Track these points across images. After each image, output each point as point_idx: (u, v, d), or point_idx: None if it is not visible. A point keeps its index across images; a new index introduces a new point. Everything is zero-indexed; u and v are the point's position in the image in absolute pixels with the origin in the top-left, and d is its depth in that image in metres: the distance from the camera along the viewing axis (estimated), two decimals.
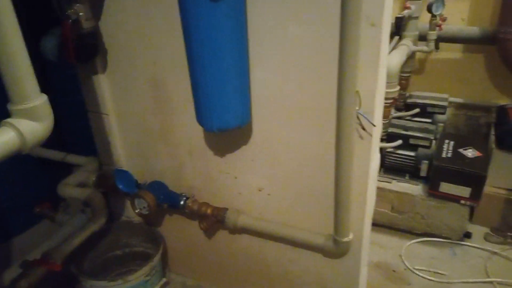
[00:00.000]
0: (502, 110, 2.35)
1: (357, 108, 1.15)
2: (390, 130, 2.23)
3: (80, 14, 1.40)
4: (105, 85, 1.63)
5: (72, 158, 1.99)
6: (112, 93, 1.65)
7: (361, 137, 1.25)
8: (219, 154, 1.56)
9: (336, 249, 1.44)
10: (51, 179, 1.88)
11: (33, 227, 2.14)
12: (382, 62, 1.17)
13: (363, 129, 1.22)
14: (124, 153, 1.79)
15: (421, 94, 2.59)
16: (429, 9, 2.22)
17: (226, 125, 1.26)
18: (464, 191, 2.01)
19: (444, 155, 2.08)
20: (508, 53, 2.25)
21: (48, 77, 1.94)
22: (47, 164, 2.05)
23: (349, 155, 1.22)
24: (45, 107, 0.98)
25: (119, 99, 1.66)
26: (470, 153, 2.09)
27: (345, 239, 1.38)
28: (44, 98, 0.98)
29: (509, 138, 2.11)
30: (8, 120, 0.96)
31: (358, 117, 1.19)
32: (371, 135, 1.24)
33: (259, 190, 1.55)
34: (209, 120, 1.25)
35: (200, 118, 1.29)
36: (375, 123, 1.21)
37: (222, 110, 1.22)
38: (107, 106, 1.68)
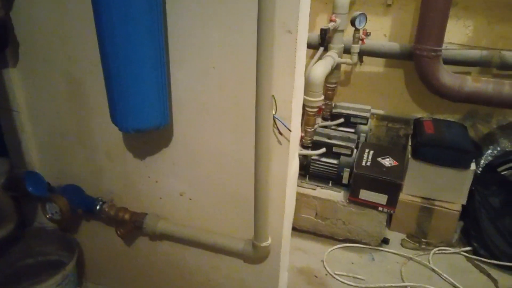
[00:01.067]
0: (418, 122, 2.50)
1: (273, 112, 1.16)
2: (315, 138, 2.29)
3: None
4: (16, 80, 1.53)
5: None
6: (24, 89, 1.55)
7: (279, 142, 1.27)
8: (139, 157, 1.52)
9: (256, 254, 1.44)
10: None
11: None
12: (299, 68, 1.19)
13: (280, 133, 1.23)
14: (37, 153, 1.69)
15: (345, 104, 2.69)
16: (353, 23, 2.32)
17: (143, 125, 1.22)
18: (381, 198, 2.10)
19: (363, 163, 2.17)
20: (423, 69, 2.40)
21: None
22: None
23: (267, 159, 1.23)
24: None
25: (32, 96, 1.56)
26: (387, 162, 2.20)
27: (264, 244, 1.38)
28: None
29: (423, 148, 2.25)
30: None
31: (275, 122, 1.21)
32: (288, 140, 1.26)
33: (181, 195, 1.52)
34: (124, 120, 1.21)
35: (115, 118, 1.24)
36: (292, 129, 1.24)
37: (138, 109, 1.18)
38: (19, 103, 1.57)
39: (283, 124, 1.21)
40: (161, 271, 1.74)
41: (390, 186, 2.07)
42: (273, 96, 1.13)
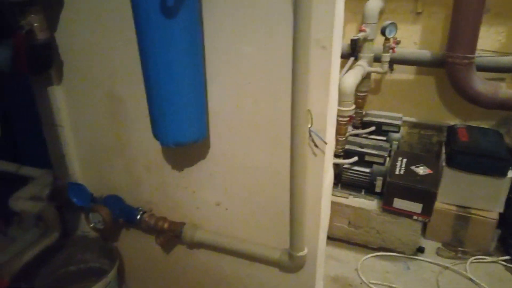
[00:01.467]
0: (452, 130, 2.47)
1: (309, 125, 1.19)
2: (347, 147, 2.30)
3: (35, 25, 1.38)
4: (60, 97, 1.61)
5: (26, 171, 1.95)
6: (67, 105, 1.64)
7: (314, 154, 1.29)
8: (177, 169, 1.57)
9: (292, 263, 1.46)
10: (3, 192, 1.82)
11: None
12: (333, 82, 1.22)
13: (316, 146, 1.26)
14: (79, 166, 1.77)
15: (376, 113, 2.69)
16: (383, 33, 2.33)
17: (183, 139, 1.27)
18: (416, 207, 2.09)
19: (397, 172, 2.17)
20: (455, 76, 2.38)
21: (2, 88, 1.90)
22: (0, 176, 1.99)
23: (302, 171, 1.25)
24: None
25: (75, 111, 1.64)
26: (421, 170, 2.18)
27: (300, 254, 1.40)
28: None
29: (458, 156, 2.22)
30: None
31: (310, 135, 1.23)
32: (323, 152, 1.28)
33: (217, 205, 1.56)
34: (164, 135, 1.26)
35: (156, 132, 1.29)
36: (327, 141, 1.26)
37: (178, 125, 1.24)
38: (62, 118, 1.65)
39: (319, 137, 1.23)
40: (197, 278, 1.78)
41: (424, 194, 2.06)
42: (308, 110, 1.15)
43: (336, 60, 1.23)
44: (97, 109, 1.59)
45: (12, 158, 1.95)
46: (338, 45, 1.21)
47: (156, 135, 1.30)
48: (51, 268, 1.86)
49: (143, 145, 1.57)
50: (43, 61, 1.46)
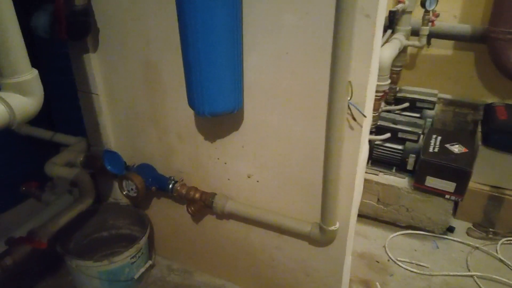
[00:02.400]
0: (489, 108, 2.39)
1: (348, 98, 1.16)
2: (380, 123, 2.25)
3: None
4: (96, 65, 1.62)
5: (60, 138, 1.98)
6: (103, 73, 1.64)
7: (351, 127, 1.26)
8: (210, 139, 1.56)
9: (322, 237, 1.46)
10: (38, 158, 1.86)
11: (18, 205, 2.13)
12: (375, 53, 1.18)
13: (354, 119, 1.23)
14: (113, 134, 1.79)
15: (411, 88, 2.61)
16: (423, 5, 2.23)
17: (218, 110, 1.26)
18: (449, 186, 2.04)
19: (431, 149, 2.11)
20: (497, 52, 2.28)
21: (39, 54, 1.91)
22: (35, 143, 2.04)
23: (339, 145, 1.23)
24: (36, 82, 0.97)
25: (110, 80, 1.65)
26: (456, 148, 2.12)
27: (332, 228, 1.40)
28: (35, 72, 0.97)
29: (495, 135, 2.15)
30: None
31: (349, 108, 1.20)
32: (361, 126, 1.25)
33: (248, 177, 1.56)
34: (200, 105, 1.25)
35: (192, 102, 1.28)
36: (366, 114, 1.23)
37: (215, 94, 1.22)
38: (98, 86, 1.66)
39: (358, 110, 1.20)
40: (226, 248, 1.81)
41: (459, 173, 2.00)
42: (349, 82, 1.12)
43: (379, 30, 1.18)
44: (132, 77, 1.59)
45: (47, 125, 1.98)
46: (382, 14, 1.16)
47: (192, 104, 1.29)
48: (84, 233, 1.92)
49: (177, 114, 1.57)
50: (82, 28, 1.46)
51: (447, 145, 2.15)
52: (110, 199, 1.99)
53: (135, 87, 1.60)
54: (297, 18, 1.19)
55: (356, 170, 1.35)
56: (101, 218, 1.95)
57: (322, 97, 1.24)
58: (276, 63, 1.29)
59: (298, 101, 1.32)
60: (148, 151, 1.74)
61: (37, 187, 1.98)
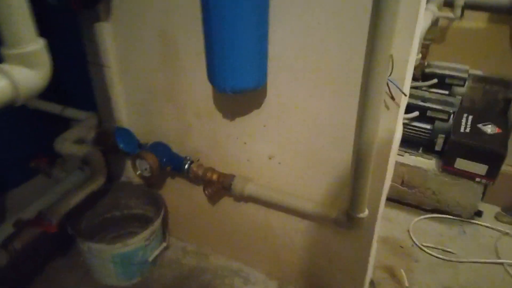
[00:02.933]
0: None
1: (388, 74, 1.03)
2: (407, 100, 2.11)
3: None
4: (108, 35, 1.50)
5: (71, 112, 1.88)
6: (115, 44, 1.53)
7: (387, 107, 1.14)
8: (229, 117, 1.45)
9: (349, 224, 1.35)
10: (47, 133, 1.77)
11: (28, 181, 2.06)
12: (419, 24, 1.04)
13: (392, 98, 1.11)
14: (126, 110, 1.68)
15: (440, 64, 2.45)
16: None
17: (241, 86, 1.14)
18: (480, 169, 1.92)
19: (462, 129, 1.98)
20: None
21: (47, 22, 1.79)
22: (44, 117, 1.94)
23: (374, 127, 1.11)
24: (43, 53, 0.85)
25: (123, 52, 1.53)
26: (489, 129, 1.99)
27: (361, 215, 1.29)
28: (42, 42, 0.86)
29: None
30: (0, 66, 0.84)
31: (387, 85, 1.08)
32: (398, 105, 1.13)
33: (270, 158, 1.46)
34: (222, 80, 1.13)
35: (213, 77, 1.17)
36: (406, 93, 1.10)
37: (238, 69, 1.11)
38: (110, 58, 1.55)
39: (398, 88, 1.08)
40: (244, 231, 1.72)
41: (492, 155, 1.88)
42: (391, 55, 0.99)
43: None
44: (147, 50, 1.47)
45: (56, 99, 1.88)
46: None
47: (212, 80, 1.18)
48: (96, 213, 1.84)
49: (194, 90, 1.46)
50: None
51: (479, 125, 2.01)
52: (122, 178, 1.91)
53: (151, 61, 1.48)
54: None
55: (390, 154, 1.24)
56: (113, 197, 1.87)
57: (354, 72, 1.12)
58: (306, 34, 1.16)
59: (326, 77, 1.20)
60: (163, 129, 1.63)
61: (47, 163, 1.91)
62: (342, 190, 1.34)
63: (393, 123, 1.17)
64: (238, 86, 1.14)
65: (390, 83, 1.07)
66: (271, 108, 1.35)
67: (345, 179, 1.31)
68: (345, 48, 1.12)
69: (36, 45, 0.83)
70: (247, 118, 1.41)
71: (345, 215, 1.34)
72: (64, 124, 1.90)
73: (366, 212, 1.31)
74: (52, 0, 1.34)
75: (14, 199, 1.99)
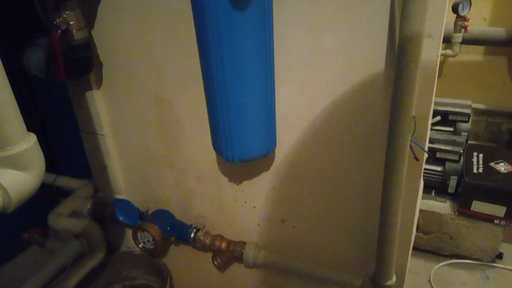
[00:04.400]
0: None
1: (411, 135, 0.95)
2: None
3: (71, 23, 1.19)
4: (100, 102, 1.42)
5: (64, 181, 1.78)
6: (109, 111, 1.44)
7: (410, 167, 1.06)
8: (235, 181, 1.36)
9: None
10: (40, 203, 1.65)
11: (21, 254, 1.94)
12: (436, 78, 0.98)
13: (416, 159, 1.02)
14: (123, 177, 1.58)
15: (441, 100, 2.39)
16: (455, 10, 2.03)
17: (250, 155, 1.06)
18: (499, 210, 1.83)
19: (475, 170, 1.90)
20: None
21: (35, 92, 1.71)
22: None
23: (398, 188, 1.02)
24: (34, 151, 0.75)
25: (117, 118, 1.45)
26: (502, 167, 1.91)
27: (388, 283, 1.18)
28: (32, 139, 0.76)
29: None
30: None
31: (410, 146, 0.99)
32: (422, 163, 1.05)
33: (282, 222, 1.35)
34: (229, 150, 1.04)
35: (219, 146, 1.08)
36: (427, 151, 1.02)
37: (246, 139, 1.02)
38: (104, 126, 1.47)
39: (421, 147, 0.99)
40: None
41: (510, 196, 1.79)
42: (413, 117, 0.91)
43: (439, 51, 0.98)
44: (142, 114, 1.39)
45: (49, 168, 1.78)
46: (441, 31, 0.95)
47: (218, 149, 1.09)
48: (95, 287, 1.70)
49: (195, 154, 1.37)
50: (82, 65, 1.25)
51: (492, 164, 1.94)
52: (122, 247, 1.78)
53: (146, 126, 1.40)
54: (338, 42, 0.99)
55: (415, 212, 1.14)
56: (113, 269, 1.74)
57: (370, 129, 1.04)
58: (315, 95, 1.09)
59: (341, 137, 1.12)
60: (163, 195, 1.53)
61: (40, 234, 1.79)
62: (367, 254, 1.24)
63: (417, 180, 1.08)
64: (247, 156, 1.05)
65: (413, 143, 0.99)
66: (281, 170, 1.26)
67: (368, 242, 1.21)
68: (358, 107, 1.05)
69: (26, 145, 0.74)
70: (255, 181, 1.32)
71: (370, 283, 1.22)
72: (58, 192, 1.79)
73: (394, 278, 1.19)
74: (37, 73, 1.27)
75: (6, 275, 1.86)
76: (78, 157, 1.63)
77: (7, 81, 0.72)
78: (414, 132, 0.96)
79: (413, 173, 1.06)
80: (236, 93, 0.96)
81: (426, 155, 1.04)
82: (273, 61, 1.03)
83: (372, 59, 0.97)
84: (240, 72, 0.94)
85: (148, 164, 1.49)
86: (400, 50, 0.83)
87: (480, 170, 1.90)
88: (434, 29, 0.89)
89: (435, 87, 0.96)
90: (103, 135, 1.47)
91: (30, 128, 0.78)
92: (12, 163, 0.72)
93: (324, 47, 1.01)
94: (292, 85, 1.09)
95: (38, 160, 0.77)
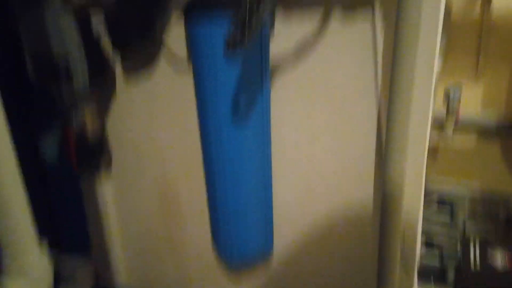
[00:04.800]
0: None
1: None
2: None
3: (87, 120, 1.27)
4: (108, 192, 1.48)
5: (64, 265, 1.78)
6: (115, 201, 1.50)
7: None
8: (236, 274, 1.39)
9: None
10: None
11: None
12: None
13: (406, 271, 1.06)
14: (125, 263, 1.61)
15: (435, 187, 2.44)
16: (447, 95, 2.09)
17: (249, 261, 1.11)
18: None
19: (472, 267, 1.91)
20: None
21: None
22: None
23: None
24: (43, 262, 0.80)
25: (123, 206, 1.51)
26: (499, 264, 1.91)
27: None
28: (44, 251, 0.81)
29: None
30: None
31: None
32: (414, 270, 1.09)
33: None
34: (229, 255, 1.10)
35: (219, 250, 1.13)
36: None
37: (246, 243, 1.08)
38: (109, 214, 1.52)
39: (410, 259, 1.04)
40: None
41: None
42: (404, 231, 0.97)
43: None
44: (147, 204, 1.45)
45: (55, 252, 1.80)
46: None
47: (219, 253, 1.14)
48: None
49: (197, 244, 1.41)
50: (94, 159, 1.32)
51: (489, 256, 1.95)
52: None
53: (151, 214, 1.46)
54: (336, 143, 1.07)
55: None
56: None
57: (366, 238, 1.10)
58: (309, 195, 1.16)
59: (338, 239, 1.17)
60: (164, 283, 1.55)
61: None
62: None
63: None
64: (247, 262, 1.10)
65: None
66: (280, 267, 1.29)
67: None
68: (353, 219, 1.12)
69: (37, 257, 0.79)
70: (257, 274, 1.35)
71: None
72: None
73: None
74: (51, 162, 1.33)
75: None
76: (84, 241, 1.65)
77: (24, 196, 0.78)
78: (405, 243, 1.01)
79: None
80: (235, 204, 1.03)
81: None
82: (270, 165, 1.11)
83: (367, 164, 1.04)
84: (244, 184, 1.02)
85: (150, 250, 1.53)
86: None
87: (478, 267, 1.89)
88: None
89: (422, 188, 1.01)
90: (108, 225, 1.53)
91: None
92: (23, 272, 0.76)
93: (320, 150, 1.10)
94: (288, 188, 1.16)
95: (47, 270, 0.81)
